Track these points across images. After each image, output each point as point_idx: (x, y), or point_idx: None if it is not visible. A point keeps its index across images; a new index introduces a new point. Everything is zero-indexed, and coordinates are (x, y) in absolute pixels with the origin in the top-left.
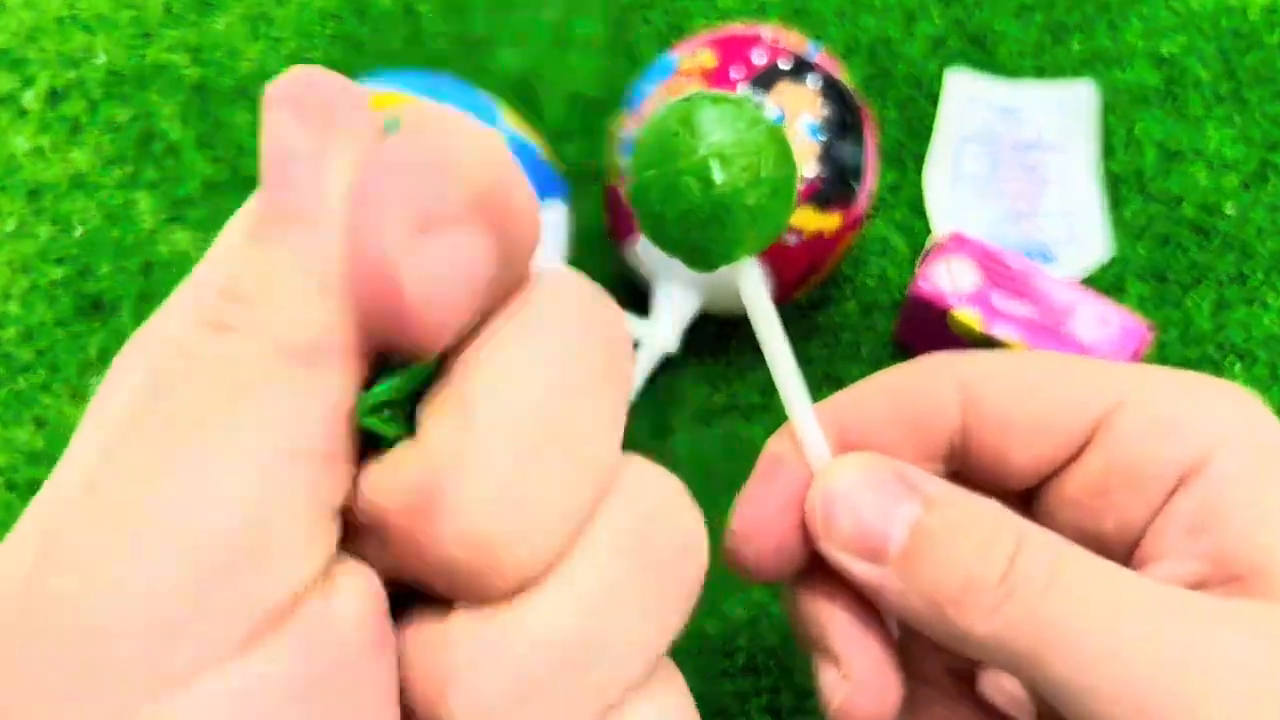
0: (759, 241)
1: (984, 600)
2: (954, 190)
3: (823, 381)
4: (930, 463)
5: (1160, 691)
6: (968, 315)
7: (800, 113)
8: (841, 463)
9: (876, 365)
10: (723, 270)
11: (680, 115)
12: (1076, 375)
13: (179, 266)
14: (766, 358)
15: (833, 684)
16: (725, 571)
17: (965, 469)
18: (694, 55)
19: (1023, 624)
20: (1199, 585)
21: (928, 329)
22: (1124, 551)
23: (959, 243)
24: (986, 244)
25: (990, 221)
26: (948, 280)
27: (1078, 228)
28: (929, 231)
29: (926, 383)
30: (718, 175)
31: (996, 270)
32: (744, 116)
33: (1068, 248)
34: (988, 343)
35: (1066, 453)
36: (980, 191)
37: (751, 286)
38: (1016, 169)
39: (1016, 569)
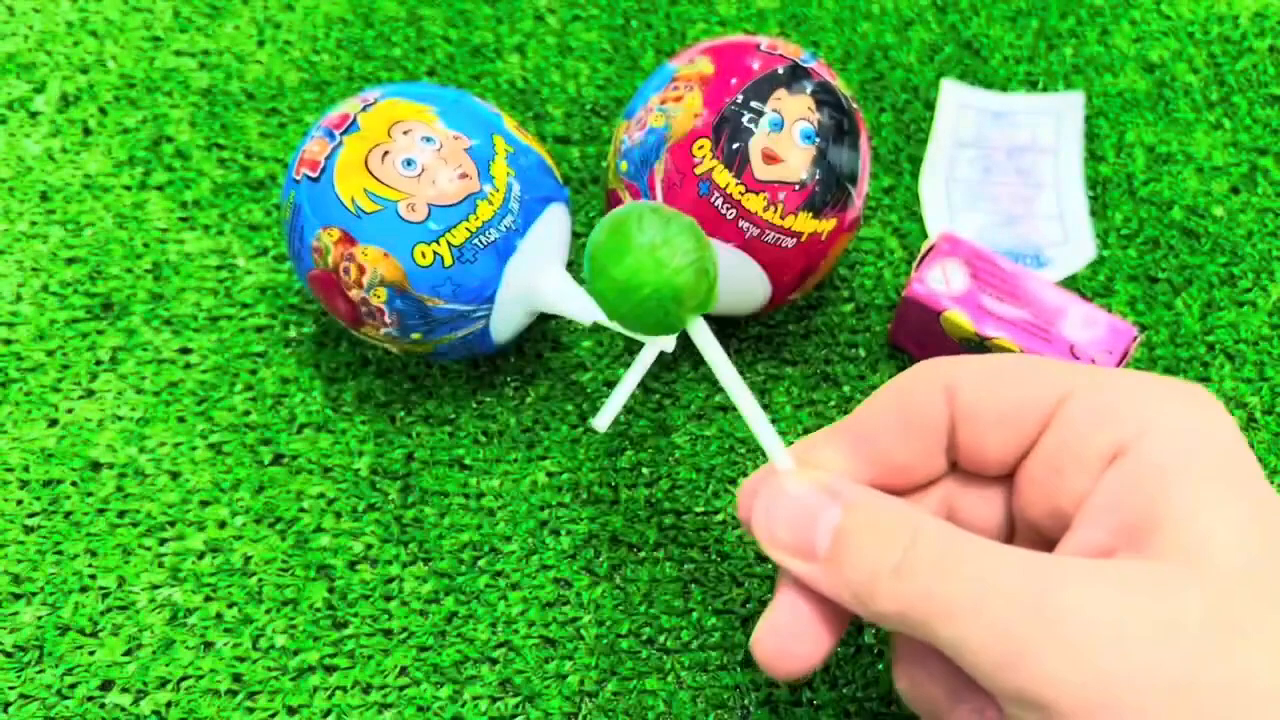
0: (697, 310)
1: (885, 585)
2: (948, 195)
3: (820, 380)
4: (934, 457)
5: (1014, 637)
6: (960, 316)
7: (796, 119)
8: (782, 478)
9: (872, 365)
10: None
11: (617, 227)
12: (1037, 372)
13: (188, 268)
14: (726, 391)
15: (762, 626)
16: (722, 567)
17: (960, 461)
18: (692, 63)
19: (916, 599)
20: (1105, 553)
21: (922, 330)
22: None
23: (952, 245)
24: (978, 247)
25: (984, 225)
26: (941, 282)
27: (1070, 230)
28: (924, 234)
29: (919, 386)
30: (654, 275)
31: (987, 272)
32: (667, 219)
33: (1060, 249)
34: (981, 343)
35: (1028, 439)
36: (974, 196)
37: (701, 337)
38: (1009, 173)
39: (911, 556)
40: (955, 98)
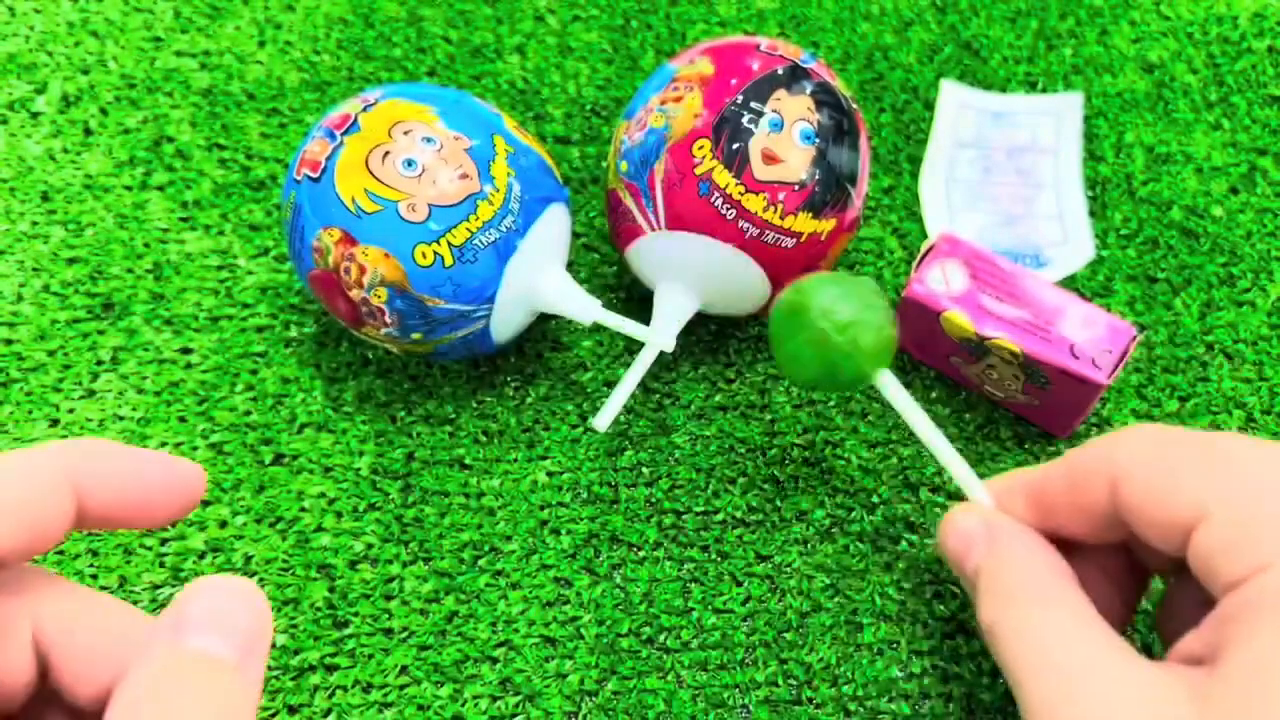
0: (882, 364)
1: (990, 628)
2: (948, 195)
3: None
4: (1104, 533)
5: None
6: (960, 316)
7: (796, 119)
8: (959, 510)
9: None
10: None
11: (802, 296)
12: (1185, 478)
13: (189, 268)
14: (921, 439)
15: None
16: (722, 566)
17: (1131, 544)
18: (692, 63)
19: (1001, 652)
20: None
21: (922, 329)
22: None
23: (951, 245)
24: (977, 247)
25: (983, 226)
26: (941, 282)
27: (1070, 230)
28: (923, 235)
29: (1088, 472)
30: (841, 337)
31: (986, 272)
32: (849, 285)
33: (1060, 249)
34: (980, 343)
35: (1182, 546)
36: (974, 196)
37: (891, 391)
38: (1009, 173)
39: (1000, 621)
40: (955, 98)
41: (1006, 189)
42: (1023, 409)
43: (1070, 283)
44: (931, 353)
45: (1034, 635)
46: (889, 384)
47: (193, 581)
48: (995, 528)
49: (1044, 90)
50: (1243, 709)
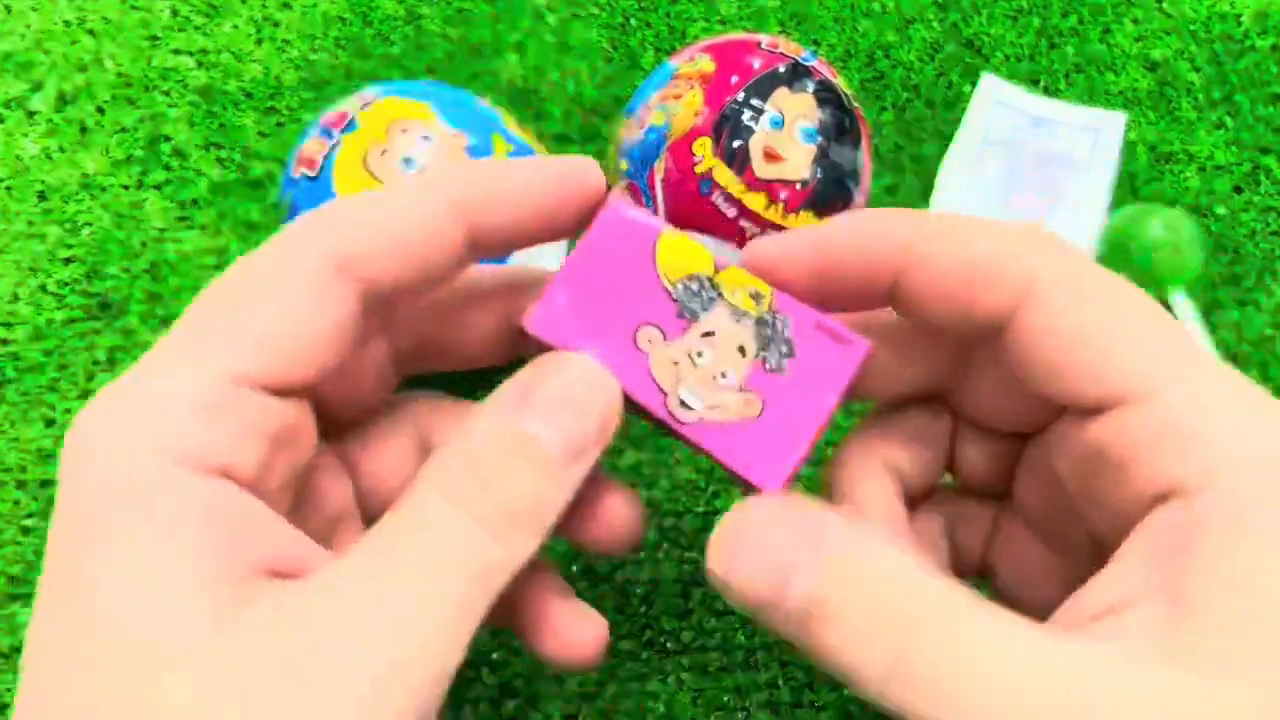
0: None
1: (878, 684)
2: (965, 192)
3: None
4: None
5: None
6: (688, 241)
7: (797, 118)
8: (770, 523)
9: None
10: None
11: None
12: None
13: (186, 268)
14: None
15: None
16: None
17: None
18: (693, 61)
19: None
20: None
21: (604, 281)
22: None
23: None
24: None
25: None
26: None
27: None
28: None
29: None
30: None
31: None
32: (1164, 214)
33: None
34: (710, 282)
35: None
36: (993, 196)
37: (1183, 311)
38: (1035, 181)
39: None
40: (993, 94)
41: (1027, 196)
42: (728, 442)
43: None
44: (605, 326)
45: (964, 660)
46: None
47: (552, 356)
48: (822, 538)
49: (1053, 94)
50: (1256, 668)
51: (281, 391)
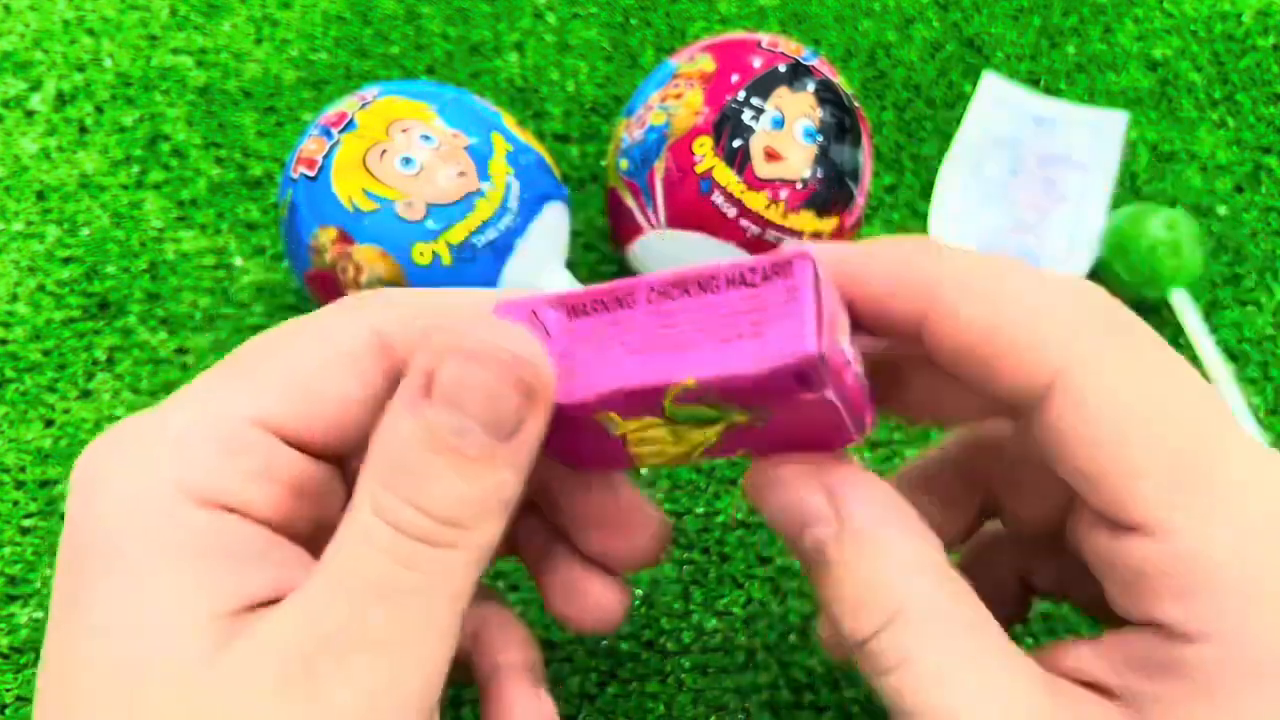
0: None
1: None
2: (965, 191)
3: None
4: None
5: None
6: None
7: (798, 117)
8: (801, 475)
9: None
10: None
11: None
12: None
13: (185, 267)
14: (1202, 361)
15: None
16: (723, 569)
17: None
18: (693, 60)
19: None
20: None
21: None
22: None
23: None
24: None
25: (991, 228)
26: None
27: (1075, 246)
28: (925, 231)
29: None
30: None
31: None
32: (1165, 214)
33: (1050, 264)
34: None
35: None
36: (994, 195)
37: (1184, 311)
38: (1036, 180)
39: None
40: (994, 93)
41: (1028, 195)
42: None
43: None
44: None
45: (939, 668)
46: (1182, 304)
47: (451, 328)
48: (849, 509)
49: (1054, 94)
50: None
51: (305, 447)
